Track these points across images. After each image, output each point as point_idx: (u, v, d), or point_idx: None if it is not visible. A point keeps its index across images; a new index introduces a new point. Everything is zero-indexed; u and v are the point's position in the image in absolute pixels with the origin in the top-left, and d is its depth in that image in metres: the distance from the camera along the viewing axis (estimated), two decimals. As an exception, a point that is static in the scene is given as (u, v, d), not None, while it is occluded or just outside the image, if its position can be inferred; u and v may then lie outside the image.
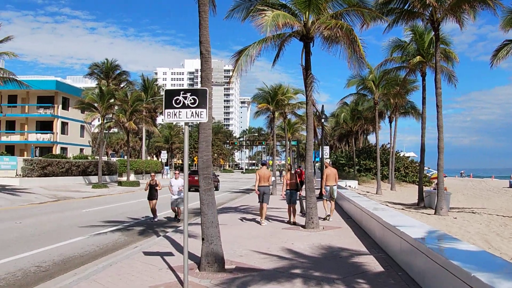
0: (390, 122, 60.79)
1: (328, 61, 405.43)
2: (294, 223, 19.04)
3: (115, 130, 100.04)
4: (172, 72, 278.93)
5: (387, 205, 27.18)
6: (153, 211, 21.51)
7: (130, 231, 18.42)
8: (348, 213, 22.40)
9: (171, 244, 14.37)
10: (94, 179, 52.70)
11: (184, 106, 9.46)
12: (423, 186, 34.98)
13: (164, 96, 9.69)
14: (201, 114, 9.39)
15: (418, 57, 32.59)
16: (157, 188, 21.60)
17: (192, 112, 9.41)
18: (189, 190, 51.55)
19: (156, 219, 21.61)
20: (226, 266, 10.69)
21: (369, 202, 19.76)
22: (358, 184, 56.95)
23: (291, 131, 64.37)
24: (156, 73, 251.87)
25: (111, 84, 64.59)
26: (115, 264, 11.43)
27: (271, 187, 20.69)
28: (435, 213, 26.05)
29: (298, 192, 20.17)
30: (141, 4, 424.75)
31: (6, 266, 11.79)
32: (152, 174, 22.49)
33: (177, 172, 23.04)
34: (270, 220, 20.34)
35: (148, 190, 21.68)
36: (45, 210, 26.04)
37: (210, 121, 10.48)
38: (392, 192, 51.73)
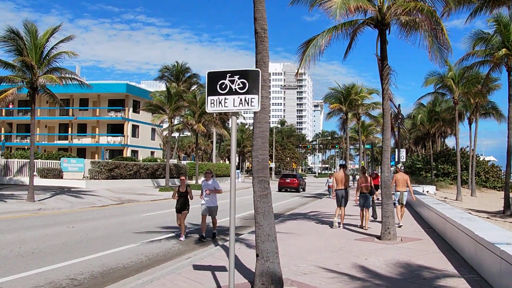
0: (470, 123, 57.74)
1: (403, 63, 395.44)
2: (364, 228, 18.76)
3: (188, 133, 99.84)
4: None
5: (470, 213, 24.81)
6: (182, 226, 16.55)
7: (187, 238, 16.81)
8: (429, 222, 20.16)
9: (228, 256, 12.74)
10: (162, 182, 51.85)
11: (231, 92, 7.76)
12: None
13: (206, 80, 8.03)
14: (251, 102, 7.65)
15: (503, 49, 29.66)
16: (188, 196, 16.66)
17: (241, 99, 7.68)
18: (280, 191, 51.61)
19: (182, 238, 16.36)
20: (285, 288, 8.92)
21: (453, 211, 17.47)
22: (436, 189, 54.09)
23: (365, 133, 62.28)
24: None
25: (181, 87, 63.85)
26: (157, 280, 9.87)
27: (347, 190, 19.25)
28: (526, 224, 23.52)
29: (372, 197, 19.68)
30: (215, 10, 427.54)
31: (37, 278, 10.39)
32: (182, 177, 17.03)
33: (208, 172, 17.07)
34: (342, 228, 18.56)
35: (177, 199, 16.71)
36: (104, 214, 24.95)
37: (266, 112, 8.70)
38: (472, 198, 48.66)
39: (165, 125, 69.23)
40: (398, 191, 19.83)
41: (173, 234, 17.57)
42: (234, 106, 7.76)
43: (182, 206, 16.48)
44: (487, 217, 26.69)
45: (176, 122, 56.98)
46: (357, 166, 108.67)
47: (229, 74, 7.82)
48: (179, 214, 16.49)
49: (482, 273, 10.02)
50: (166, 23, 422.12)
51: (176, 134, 77.05)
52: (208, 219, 16.76)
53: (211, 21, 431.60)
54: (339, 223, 19.11)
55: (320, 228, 19.10)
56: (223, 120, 71.57)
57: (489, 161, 73.21)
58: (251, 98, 7.64)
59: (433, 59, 16.27)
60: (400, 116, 32.08)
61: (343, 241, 15.45)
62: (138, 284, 9.53)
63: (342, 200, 18.85)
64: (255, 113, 8.57)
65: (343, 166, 20.87)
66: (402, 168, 22.34)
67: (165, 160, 54.76)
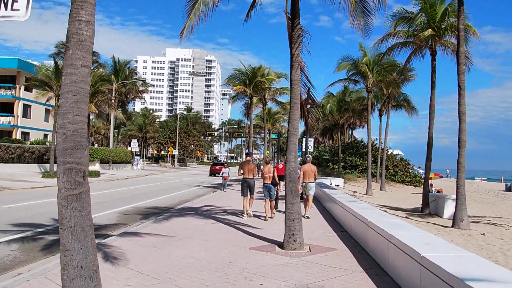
0: (380, 115, 56.24)
1: (313, 54, 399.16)
2: (265, 219, 18.00)
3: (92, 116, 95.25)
4: (153, 61, 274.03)
5: (386, 211, 21.99)
6: None
7: (36, 241, 12.88)
8: (342, 224, 16.72)
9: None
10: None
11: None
12: (417, 187, 29.56)
13: None
14: (14, 2, 3.83)
15: (429, 30, 26.80)
16: None
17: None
18: (211, 175, 47.88)
19: None
20: None
21: (373, 211, 14.04)
22: (344, 182, 51.74)
23: (271, 121, 60.06)
24: (136, 61, 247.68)
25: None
26: None
27: (254, 180, 19.14)
28: (453, 226, 20.63)
29: (276, 187, 19.23)
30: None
31: None
32: None
33: None
34: (236, 229, 15.14)
35: None
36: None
37: (85, 49, 4.89)
38: (382, 192, 46.45)
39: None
40: (304, 182, 19.25)
41: (22, 235, 13.72)
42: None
43: None
44: (406, 216, 24.05)
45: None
46: (262, 156, 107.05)
47: None
48: None
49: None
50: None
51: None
52: None
53: (124, 4, 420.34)
54: (248, 213, 18.71)
55: (209, 229, 15.42)
56: (124, 103, 67.52)
57: (397, 154, 72.37)
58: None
59: (355, 25, 13.56)
60: (311, 99, 28.92)
61: (234, 250, 11.71)
62: None
63: (249, 190, 18.67)
64: (66, 50, 4.82)
65: (249, 155, 20.49)
66: (309, 158, 20.16)
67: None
